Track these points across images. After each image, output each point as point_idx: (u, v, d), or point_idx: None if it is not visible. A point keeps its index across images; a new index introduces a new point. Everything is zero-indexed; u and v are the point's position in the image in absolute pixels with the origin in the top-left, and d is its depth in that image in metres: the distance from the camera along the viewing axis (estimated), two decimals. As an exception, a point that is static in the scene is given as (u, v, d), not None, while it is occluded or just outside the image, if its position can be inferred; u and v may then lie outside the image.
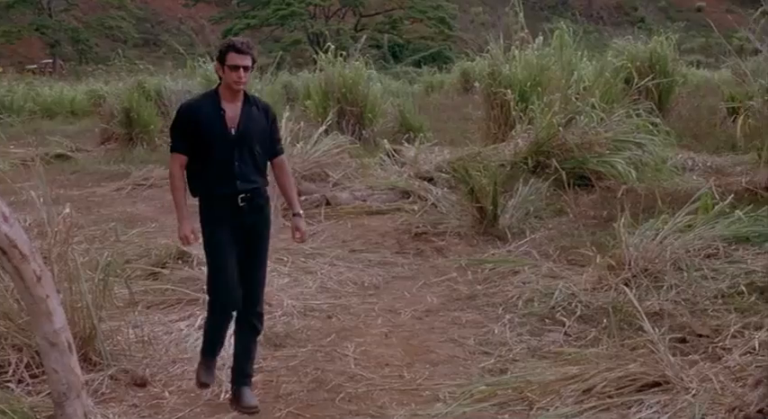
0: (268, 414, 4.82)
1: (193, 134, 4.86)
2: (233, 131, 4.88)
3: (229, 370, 5.19)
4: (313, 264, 8.22)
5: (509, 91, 12.37)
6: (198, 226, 5.04)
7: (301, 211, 5.37)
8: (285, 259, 8.15)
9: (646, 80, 13.04)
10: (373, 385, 5.26)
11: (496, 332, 6.18)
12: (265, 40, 48.61)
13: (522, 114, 12.08)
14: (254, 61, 4.92)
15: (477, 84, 14.84)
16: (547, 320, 6.35)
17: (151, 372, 5.44)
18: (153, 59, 38.54)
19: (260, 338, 5.84)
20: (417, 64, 49.72)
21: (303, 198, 10.73)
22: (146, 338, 5.86)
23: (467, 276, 7.66)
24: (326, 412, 4.88)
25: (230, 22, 49.89)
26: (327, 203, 10.31)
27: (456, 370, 5.49)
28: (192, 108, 5.00)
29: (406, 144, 13.21)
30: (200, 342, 5.97)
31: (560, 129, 11.09)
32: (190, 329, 6.25)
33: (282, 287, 7.39)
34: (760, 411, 1.79)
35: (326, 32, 50.83)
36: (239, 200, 4.90)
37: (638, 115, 12.49)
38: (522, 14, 12.98)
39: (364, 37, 39.85)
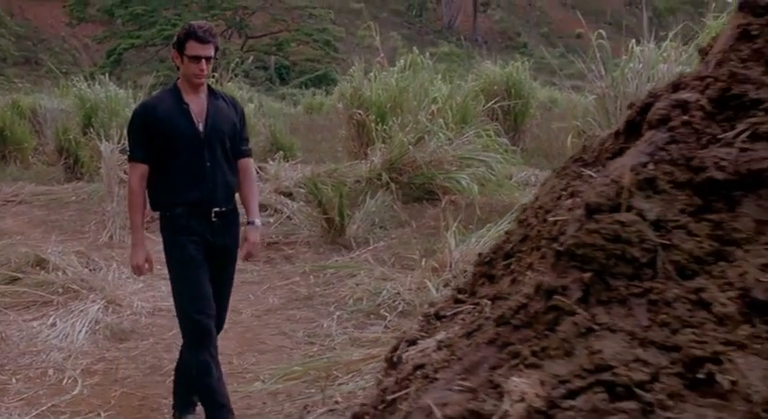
0: (104, 395, 5.41)
1: (154, 136, 4.33)
2: (201, 127, 4.38)
3: (74, 361, 5.74)
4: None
5: (361, 111, 13.13)
6: (155, 252, 4.54)
7: (258, 221, 4.74)
8: (142, 267, 8.72)
9: (491, 102, 14.01)
10: (203, 369, 5.90)
11: (324, 326, 6.88)
12: (151, 60, 48.41)
13: (383, 134, 12.88)
14: (216, 49, 4.39)
15: (340, 104, 15.61)
16: (372, 315, 7.08)
17: (1, 363, 5.97)
18: (34, 78, 38.12)
19: (107, 333, 6.48)
20: (305, 86, 50.31)
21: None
22: (-1, 335, 6.39)
23: (309, 280, 8.35)
24: (156, 391, 5.51)
25: (114, 41, 49.60)
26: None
27: (281, 357, 6.18)
28: (148, 107, 4.49)
29: (270, 161, 13.84)
30: (50, 337, 6.55)
31: (410, 147, 11.90)
32: (41, 327, 6.76)
33: (135, 291, 7.96)
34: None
35: (212, 53, 51.01)
36: (212, 215, 4.37)
37: (488, 136, 13.44)
38: (378, 39, 13.79)
39: (251, 58, 40.10)
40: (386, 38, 35.86)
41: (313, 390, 5.35)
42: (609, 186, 1.72)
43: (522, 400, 1.44)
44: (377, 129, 13.09)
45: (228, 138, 4.49)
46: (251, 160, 4.79)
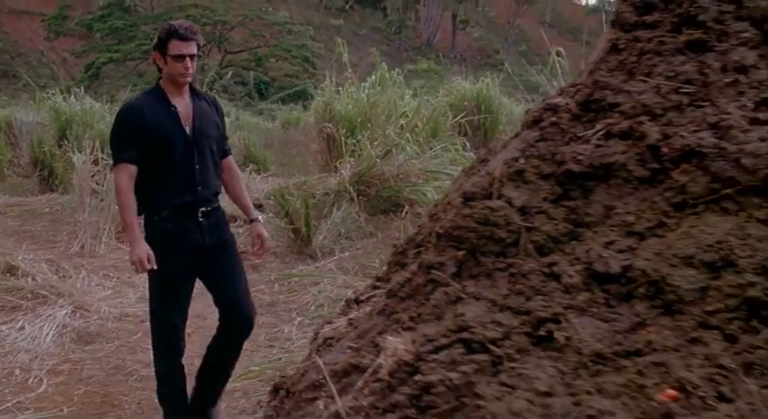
0: (68, 393, 5.62)
1: (142, 138, 4.22)
2: (188, 130, 4.31)
3: (40, 362, 5.95)
4: (137, 279, 9.00)
5: (331, 125, 13.40)
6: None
7: (260, 216, 4.80)
8: (111, 275, 8.94)
9: (458, 117, 14.31)
10: (165, 370, 6.12)
11: (285, 331, 7.11)
12: (129, 75, 48.40)
13: (352, 147, 13.13)
14: (199, 47, 4.31)
15: (311, 119, 15.83)
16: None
17: (-31, 364, 6.17)
18: (11, 92, 38.06)
19: (74, 336, 6.69)
20: (284, 101, 50.38)
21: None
22: (-32, 338, 6.58)
23: (273, 288, 8.58)
24: (118, 388, 5.73)
25: (93, 55, 49.60)
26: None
27: (241, 359, 6.39)
28: (134, 108, 4.36)
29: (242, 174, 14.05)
30: (18, 340, 6.75)
31: (378, 161, 12.16)
32: (10, 330, 6.94)
33: (104, 298, 8.15)
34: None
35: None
36: (199, 215, 4.30)
37: (456, 150, 13.71)
38: (346, 55, 14.06)
39: (230, 73, 39.98)
40: (365, 54, 36.09)
41: (268, 388, 5.56)
42: (484, 178, 1.98)
43: (394, 355, 1.69)
44: (346, 143, 13.34)
45: (214, 140, 4.44)
46: (232, 158, 4.79)
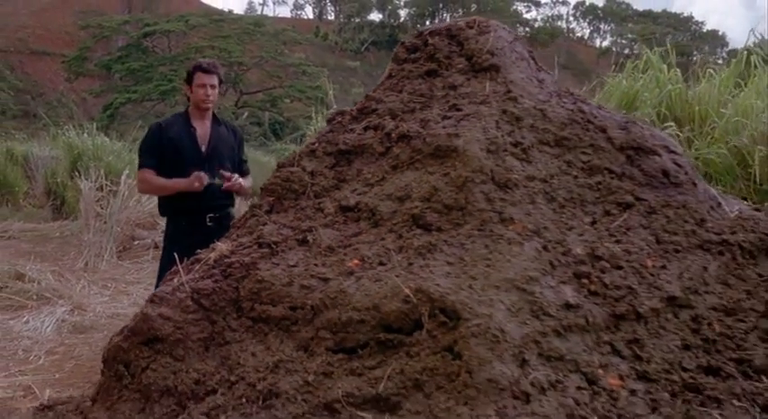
0: (61, 365, 6.79)
1: (163, 151, 4.90)
2: (203, 149, 4.96)
3: (40, 345, 7.12)
4: (132, 289, 10.21)
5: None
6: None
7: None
8: (109, 285, 10.15)
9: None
10: (143, 351, 7.29)
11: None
12: (146, 115, 49.24)
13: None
14: (220, 81, 5.04)
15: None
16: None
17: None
18: (32, 131, 39.13)
19: (70, 328, 7.89)
20: (299, 141, 51.06)
21: (136, 242, 12.73)
22: (-21, 328, 7.78)
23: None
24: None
25: (111, 95, 50.60)
26: (156, 246, 12.22)
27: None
28: (161, 126, 5.07)
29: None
30: (23, 330, 7.94)
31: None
32: (17, 324, 8.13)
33: (100, 302, 9.33)
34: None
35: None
36: (207, 220, 4.92)
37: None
38: (331, 93, 15.28)
39: (245, 114, 40.73)
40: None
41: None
42: (292, 154, 3.20)
43: (219, 251, 2.90)
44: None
45: (228, 160, 5.05)
46: (250, 178, 5.35)
